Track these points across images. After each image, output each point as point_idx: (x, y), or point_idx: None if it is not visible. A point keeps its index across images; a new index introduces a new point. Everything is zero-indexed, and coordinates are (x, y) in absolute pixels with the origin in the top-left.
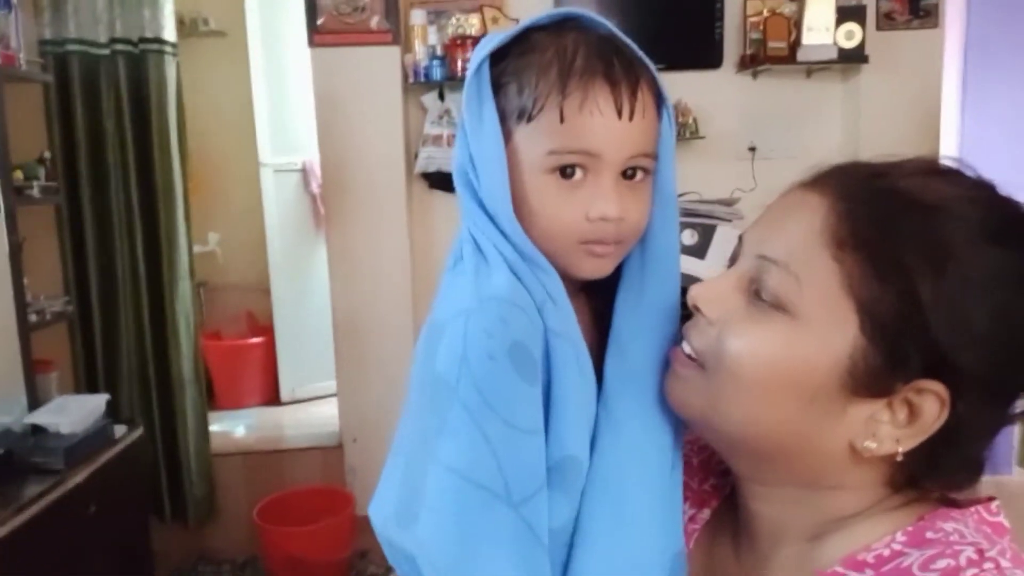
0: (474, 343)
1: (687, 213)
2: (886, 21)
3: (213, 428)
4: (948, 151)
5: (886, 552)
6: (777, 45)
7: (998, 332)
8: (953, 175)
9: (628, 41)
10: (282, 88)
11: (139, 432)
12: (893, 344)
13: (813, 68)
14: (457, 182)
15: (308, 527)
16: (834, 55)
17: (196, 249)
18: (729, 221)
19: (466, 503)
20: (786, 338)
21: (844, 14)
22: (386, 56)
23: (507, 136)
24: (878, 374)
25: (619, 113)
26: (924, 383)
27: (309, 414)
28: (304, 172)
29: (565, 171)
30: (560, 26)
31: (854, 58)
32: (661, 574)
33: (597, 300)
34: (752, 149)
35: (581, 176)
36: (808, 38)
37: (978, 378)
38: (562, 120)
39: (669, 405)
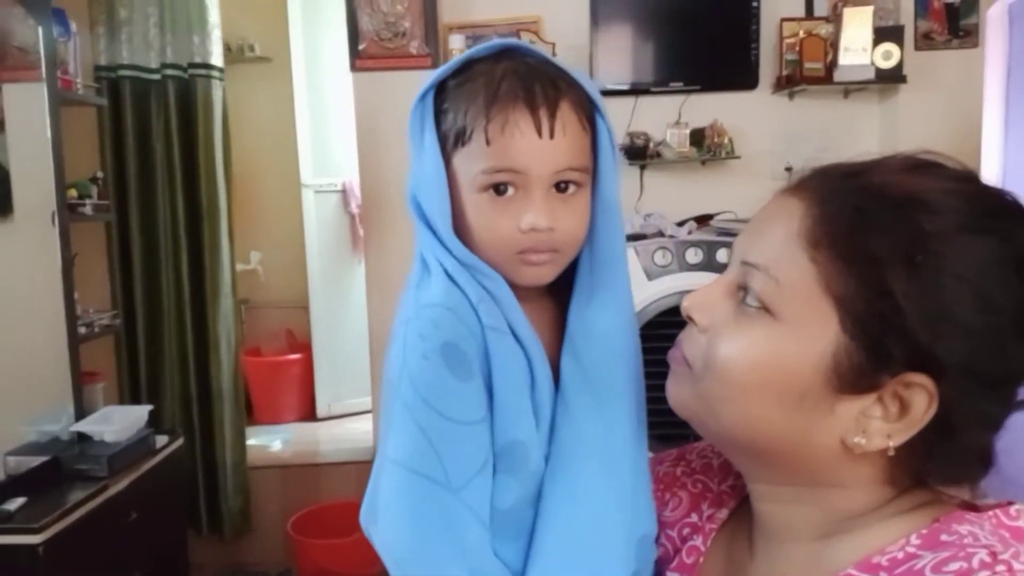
0: (411, 347)
1: (721, 232)
2: (924, 41)
3: (251, 442)
4: (990, 173)
5: (900, 555)
6: (813, 66)
7: (979, 320)
8: (933, 168)
9: (562, 66)
10: (323, 111)
11: (180, 442)
12: (873, 340)
13: (850, 88)
14: (409, 205)
15: (341, 540)
16: (871, 75)
17: (239, 267)
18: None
19: (412, 492)
20: (770, 340)
21: (882, 34)
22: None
23: (448, 160)
24: (862, 370)
25: (539, 132)
26: (910, 376)
27: (345, 429)
28: (344, 193)
29: (499, 188)
30: (498, 56)
31: (892, 78)
32: (625, 555)
33: (560, 301)
34: (788, 169)
35: (513, 192)
36: (845, 58)
37: (963, 368)
38: (488, 143)
39: (671, 404)
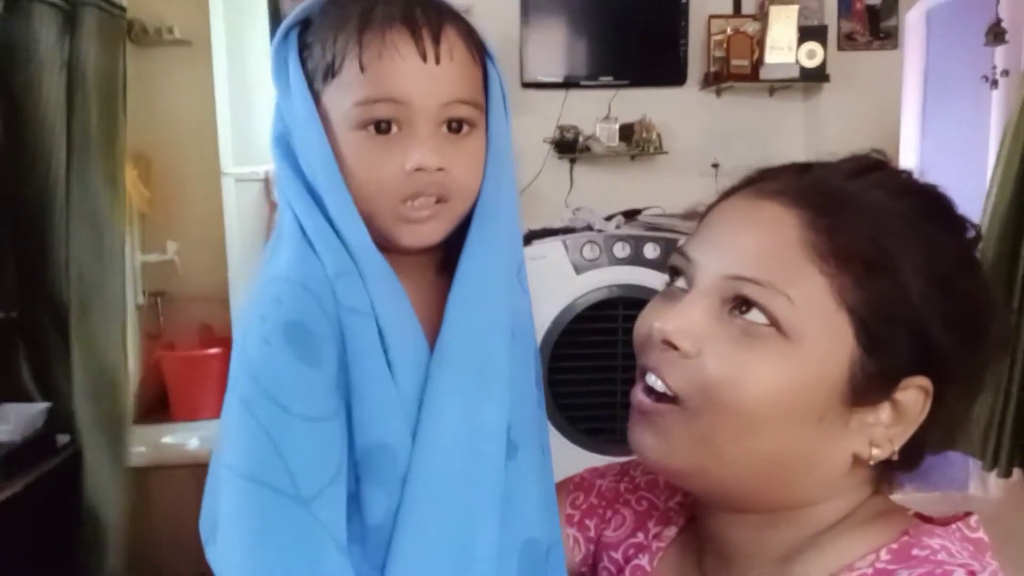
0: (251, 330)
1: (649, 227)
2: (847, 41)
3: (166, 440)
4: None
5: (870, 571)
6: (740, 63)
7: (968, 315)
8: (884, 172)
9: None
10: (246, 98)
11: (78, 442)
12: (886, 348)
13: (776, 86)
14: (275, 153)
15: None
16: (796, 74)
17: (154, 258)
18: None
19: (252, 507)
20: (787, 362)
21: (806, 34)
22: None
23: (317, 99)
24: (874, 380)
25: (423, 56)
26: (911, 380)
27: None
28: (267, 182)
29: (379, 126)
30: None
31: (815, 77)
32: (497, 566)
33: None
34: (715, 166)
35: (396, 130)
36: (771, 57)
37: (961, 362)
38: (363, 69)
39: (646, 461)
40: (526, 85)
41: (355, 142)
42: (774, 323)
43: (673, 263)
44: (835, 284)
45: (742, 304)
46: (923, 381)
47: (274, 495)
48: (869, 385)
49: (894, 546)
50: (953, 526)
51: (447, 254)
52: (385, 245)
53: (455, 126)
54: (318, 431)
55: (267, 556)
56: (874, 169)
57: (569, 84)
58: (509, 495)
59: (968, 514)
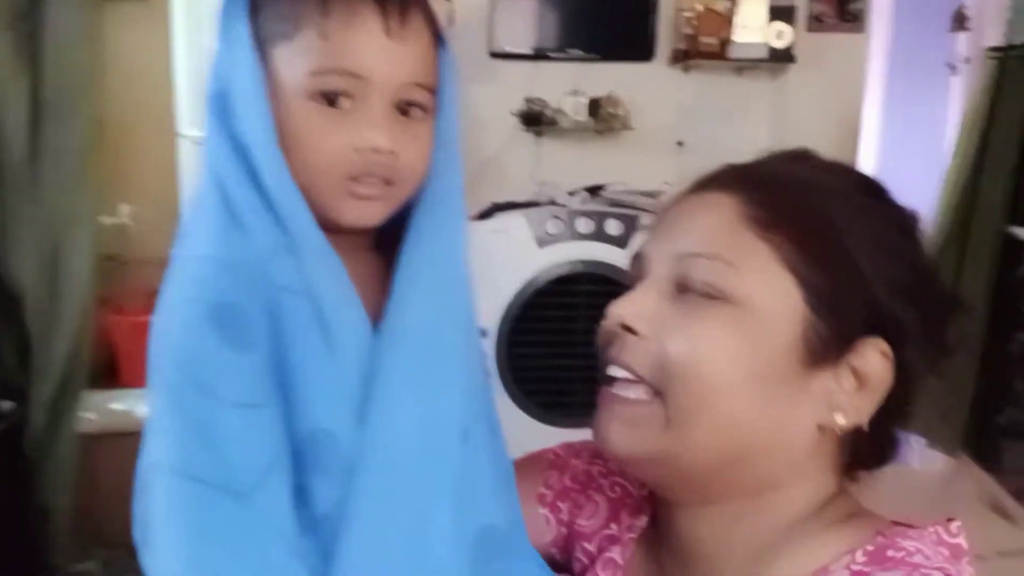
0: (173, 314)
1: (612, 203)
2: (815, 23)
3: (115, 407)
4: (867, 154)
5: (845, 574)
6: (709, 41)
7: (914, 280)
8: (814, 159)
9: None
10: (206, 58)
11: (24, 409)
12: (835, 310)
13: (744, 66)
14: (208, 113)
15: None
16: (765, 54)
17: (106, 221)
18: (653, 212)
19: (186, 504)
20: (738, 326)
21: (775, 14)
22: None
23: (265, 61)
24: (828, 341)
25: (387, 32)
26: (866, 341)
27: None
28: None
29: (331, 98)
30: None
31: (782, 58)
32: (450, 555)
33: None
34: (680, 144)
35: (348, 104)
36: (740, 36)
37: (911, 325)
38: (324, 37)
39: (614, 457)
40: (494, 55)
41: (303, 112)
42: (722, 292)
43: (630, 268)
44: (778, 250)
45: (692, 281)
46: (880, 344)
47: (209, 490)
48: (823, 346)
49: (870, 548)
50: (930, 529)
51: (379, 235)
52: (319, 223)
53: (406, 109)
54: (252, 419)
55: (206, 557)
56: (807, 156)
57: (538, 56)
58: (462, 482)
59: (950, 519)
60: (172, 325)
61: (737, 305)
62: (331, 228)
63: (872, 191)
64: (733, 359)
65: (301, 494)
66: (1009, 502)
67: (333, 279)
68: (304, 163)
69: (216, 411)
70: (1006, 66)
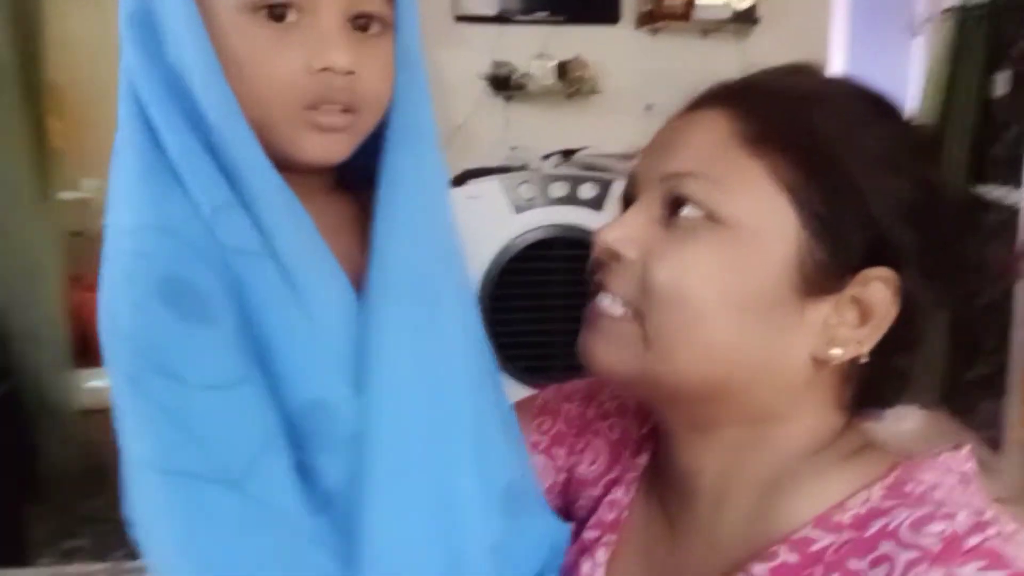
0: (117, 296)
1: (585, 167)
2: None
3: (90, 384)
4: None
5: (863, 511)
6: (672, 2)
7: (921, 200)
8: (812, 72)
9: None
10: None
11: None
12: (834, 232)
13: (709, 28)
14: (127, 41)
15: None
16: (728, 15)
17: (68, 196)
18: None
19: (175, 501)
20: (727, 250)
21: None
22: None
23: None
24: (827, 267)
25: None
26: (869, 271)
27: None
28: None
29: (274, 11)
30: None
31: (746, 19)
32: (485, 510)
33: (364, 199)
34: (649, 107)
35: (295, 17)
36: None
37: (917, 252)
38: None
39: (598, 372)
40: (459, 18)
41: (242, 27)
42: (710, 214)
43: (624, 190)
44: (771, 167)
45: (680, 203)
46: (885, 272)
47: (198, 483)
48: (821, 274)
49: (888, 481)
50: (941, 458)
51: (337, 173)
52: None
53: (363, 23)
54: (228, 399)
55: (212, 554)
56: (806, 70)
57: (504, 18)
58: (479, 440)
59: (958, 446)
60: (119, 309)
61: (726, 227)
62: (285, 168)
63: (876, 104)
64: (717, 285)
65: (305, 472)
66: (984, 453)
67: (297, 231)
68: (250, 93)
69: (187, 397)
70: (964, 27)
